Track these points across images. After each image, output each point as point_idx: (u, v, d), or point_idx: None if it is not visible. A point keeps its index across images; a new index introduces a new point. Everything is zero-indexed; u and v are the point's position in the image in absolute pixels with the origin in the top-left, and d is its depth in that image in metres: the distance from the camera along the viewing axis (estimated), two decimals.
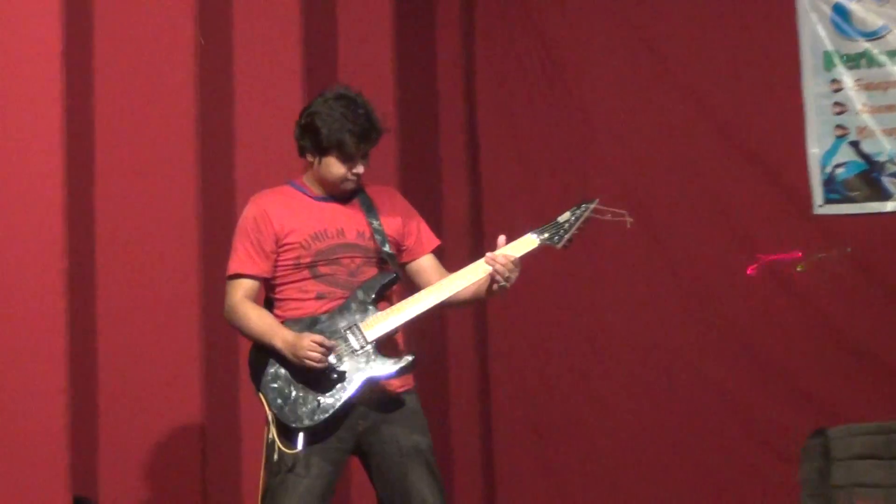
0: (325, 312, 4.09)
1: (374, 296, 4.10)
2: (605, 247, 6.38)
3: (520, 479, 6.63)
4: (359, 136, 4.09)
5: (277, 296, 4.17)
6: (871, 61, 6.16)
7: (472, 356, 6.69)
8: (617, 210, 4.11)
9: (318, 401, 4.01)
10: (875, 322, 6.10)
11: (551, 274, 6.36)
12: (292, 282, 4.14)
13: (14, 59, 4.34)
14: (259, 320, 4.09)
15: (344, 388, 4.02)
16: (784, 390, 6.22)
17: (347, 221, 4.17)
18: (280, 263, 4.15)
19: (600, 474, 6.49)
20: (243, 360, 4.27)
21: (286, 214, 4.15)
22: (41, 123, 4.31)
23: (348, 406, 4.04)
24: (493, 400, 6.72)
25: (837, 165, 6.19)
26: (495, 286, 4.06)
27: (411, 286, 4.21)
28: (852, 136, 6.17)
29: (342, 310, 4.08)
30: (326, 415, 4.01)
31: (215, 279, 4.44)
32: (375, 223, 4.17)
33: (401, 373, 4.08)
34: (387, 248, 4.15)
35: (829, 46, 6.22)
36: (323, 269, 4.11)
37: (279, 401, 4.03)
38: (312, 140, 4.12)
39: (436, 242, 4.31)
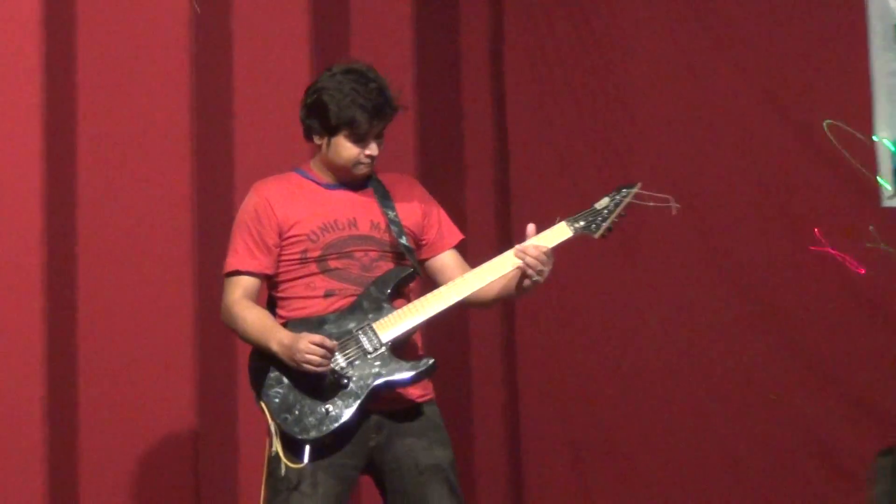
0: (333, 311, 4.07)
1: (389, 292, 4.08)
2: (648, 238, 6.38)
3: (552, 502, 6.62)
4: (371, 113, 4.08)
5: (281, 294, 4.17)
6: None
7: (498, 362, 6.69)
8: (661, 195, 4.10)
9: (326, 410, 4.00)
10: None
11: (587, 268, 6.36)
12: (298, 278, 4.13)
13: None
14: (256, 321, 4.08)
15: (355, 396, 4.00)
16: (849, 403, 6.24)
17: (360, 211, 4.17)
18: (284, 258, 4.14)
19: (643, 498, 6.48)
20: (243, 365, 4.25)
21: (291, 204, 4.15)
22: (17, 90, 4.32)
23: (359, 416, 4.02)
24: (521, 412, 6.72)
25: None
26: (526, 282, 4.06)
27: (431, 286, 4.18)
28: None
29: (353, 308, 4.07)
30: (336, 425, 3.99)
31: (211, 275, 4.47)
32: (391, 213, 4.16)
33: (419, 378, 4.06)
34: (404, 241, 4.14)
35: None
36: (333, 264, 4.11)
37: (283, 410, 4.01)
38: (320, 119, 4.12)
39: (459, 237, 4.32)
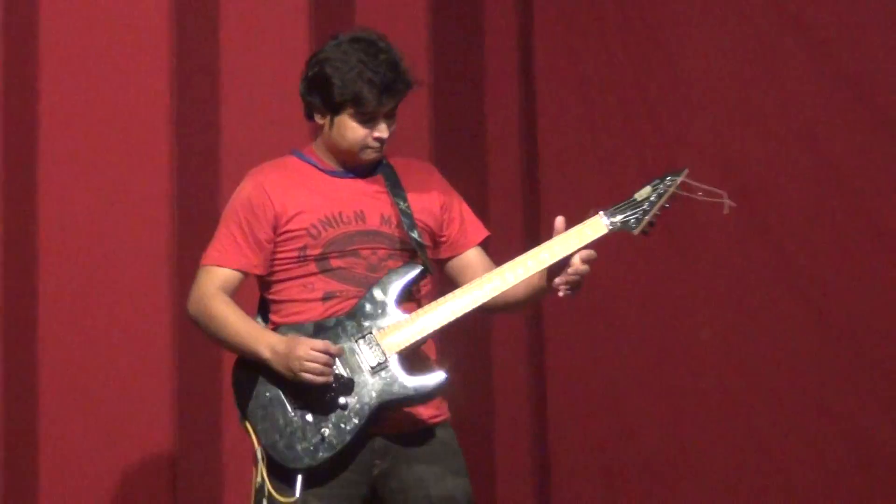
0: (331, 316, 4.05)
1: (395, 295, 4.06)
2: (695, 235, 6.34)
3: None
4: (380, 88, 4.06)
5: (274, 296, 4.16)
6: None
7: (523, 375, 6.66)
8: (711, 188, 4.06)
9: (322, 433, 3.97)
10: None
11: (625, 268, 6.33)
12: (294, 278, 4.13)
13: None
14: (239, 321, 4.06)
15: (355, 418, 3.98)
16: None
17: (369, 203, 4.16)
18: (280, 255, 4.13)
19: None
20: (226, 378, 4.21)
21: (291, 193, 4.15)
22: None
23: (361, 440, 4.00)
24: (550, 434, 6.67)
25: None
26: (561, 292, 4.04)
27: (450, 289, 4.15)
28: None
29: (354, 313, 4.05)
30: (333, 452, 3.97)
31: (191, 276, 4.37)
32: (402, 204, 4.16)
33: (430, 396, 4.03)
34: (415, 235, 4.12)
35: None
36: (335, 263, 4.10)
37: (271, 432, 4.00)
38: (322, 95, 4.11)
39: (484, 233, 4.33)
